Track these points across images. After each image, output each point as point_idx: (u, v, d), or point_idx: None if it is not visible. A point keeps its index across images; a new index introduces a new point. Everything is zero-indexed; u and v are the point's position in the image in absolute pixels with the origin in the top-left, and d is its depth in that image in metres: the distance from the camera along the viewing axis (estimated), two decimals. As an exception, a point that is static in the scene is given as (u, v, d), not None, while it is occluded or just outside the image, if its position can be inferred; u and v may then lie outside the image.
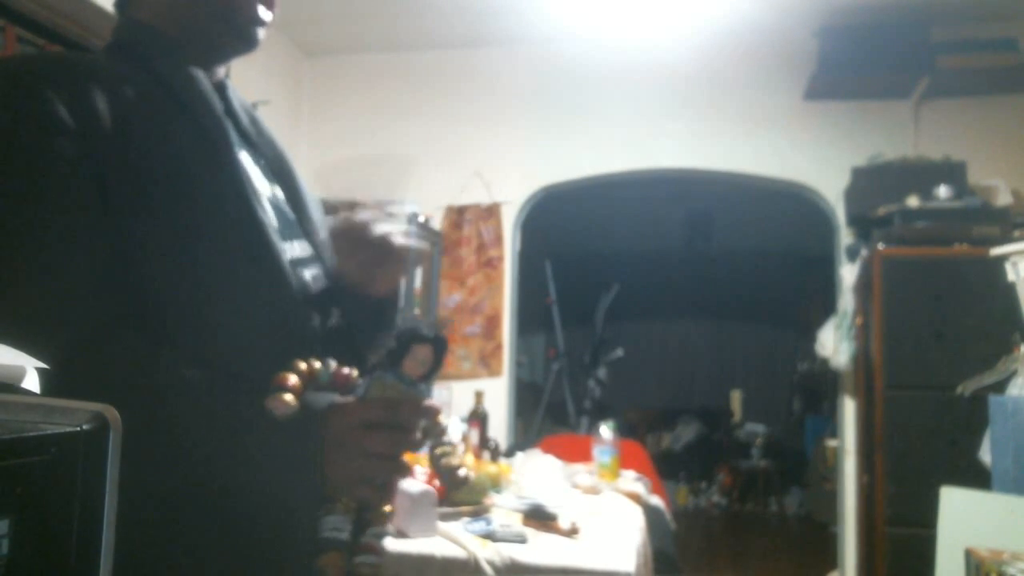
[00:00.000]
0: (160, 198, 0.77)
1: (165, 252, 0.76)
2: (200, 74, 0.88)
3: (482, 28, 3.80)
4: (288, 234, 0.88)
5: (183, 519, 0.74)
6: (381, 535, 0.79)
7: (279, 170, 0.95)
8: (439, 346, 0.78)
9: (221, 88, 0.92)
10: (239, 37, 0.89)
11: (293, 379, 0.71)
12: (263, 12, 0.89)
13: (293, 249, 0.87)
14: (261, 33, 0.90)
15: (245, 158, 0.88)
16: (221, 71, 0.94)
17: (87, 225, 0.74)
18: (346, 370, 0.76)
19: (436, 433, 0.77)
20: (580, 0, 3.50)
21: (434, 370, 0.78)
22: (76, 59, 0.84)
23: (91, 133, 0.75)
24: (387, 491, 0.75)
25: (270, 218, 0.85)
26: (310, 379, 0.73)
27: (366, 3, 3.59)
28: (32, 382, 0.41)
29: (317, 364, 0.74)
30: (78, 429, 0.34)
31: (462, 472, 0.78)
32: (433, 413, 0.75)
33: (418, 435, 0.75)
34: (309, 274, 0.87)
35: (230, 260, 0.79)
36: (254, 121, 0.96)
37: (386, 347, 0.80)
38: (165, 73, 0.85)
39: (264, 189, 0.89)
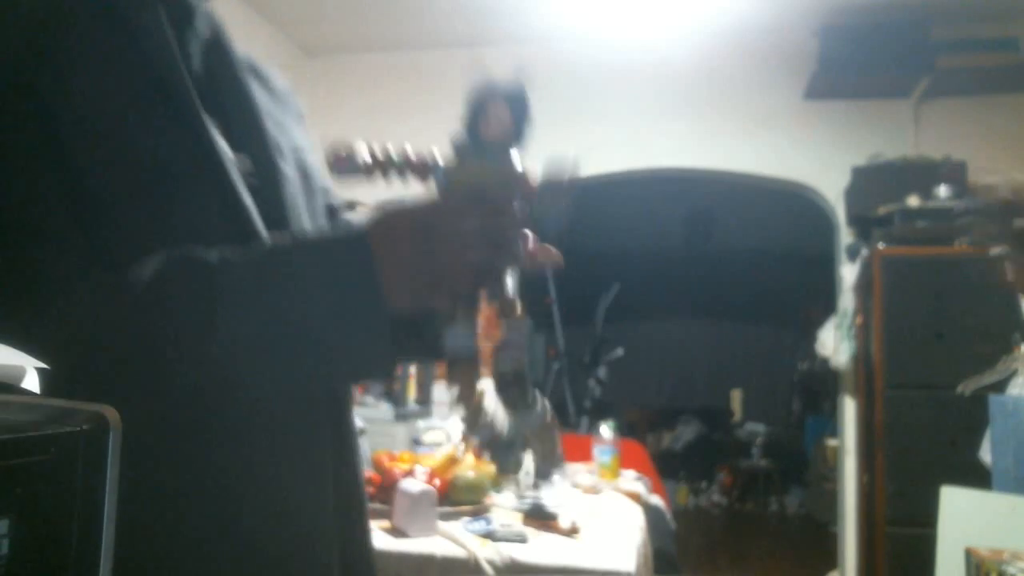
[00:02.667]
0: (119, 154, 0.63)
1: (122, 213, 0.62)
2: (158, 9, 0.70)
3: (482, 28, 3.80)
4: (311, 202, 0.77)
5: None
6: (519, 327, 0.67)
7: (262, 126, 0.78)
8: (517, 102, 0.63)
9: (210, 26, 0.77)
10: None
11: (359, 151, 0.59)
12: None
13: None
14: None
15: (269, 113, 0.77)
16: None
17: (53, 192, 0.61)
18: (422, 158, 0.63)
19: (537, 207, 0.63)
20: (580, 0, 3.50)
21: (520, 131, 0.64)
22: None
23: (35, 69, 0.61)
24: (499, 281, 0.61)
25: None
26: (375, 161, 0.61)
27: (366, 3, 3.59)
28: (32, 382, 0.41)
29: (389, 147, 0.61)
30: (78, 429, 0.34)
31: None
32: (527, 183, 0.62)
33: (517, 212, 0.61)
34: None
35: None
36: (254, 68, 0.83)
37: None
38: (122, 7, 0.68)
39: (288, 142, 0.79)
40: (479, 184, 0.61)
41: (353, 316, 0.59)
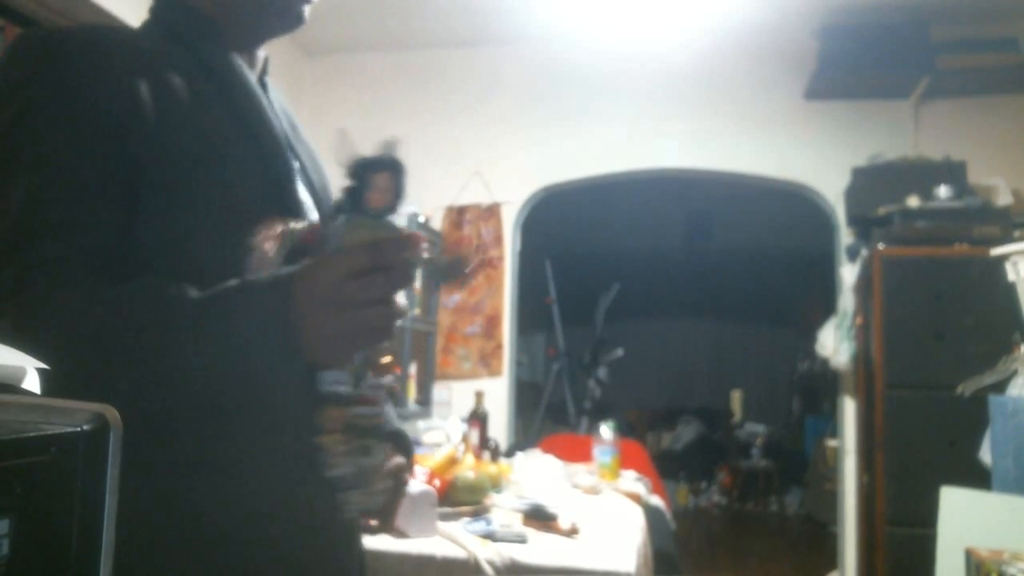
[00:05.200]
0: (200, 194, 0.76)
1: (199, 252, 0.74)
2: (243, 65, 0.85)
3: (482, 28, 3.80)
4: None
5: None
6: (379, 387, 0.74)
7: (317, 181, 0.91)
8: (396, 169, 0.70)
9: (263, 86, 0.90)
10: (287, 15, 0.86)
11: (270, 238, 0.68)
12: None
13: None
14: (307, 10, 0.87)
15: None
16: (261, 54, 0.91)
17: (97, 214, 0.72)
18: (313, 227, 0.71)
19: (423, 262, 0.70)
20: (580, 0, 3.50)
21: (398, 197, 0.70)
22: (115, 35, 0.81)
23: (122, 115, 0.73)
24: (385, 336, 0.69)
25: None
26: (282, 240, 0.69)
27: (366, 3, 3.59)
28: (32, 382, 0.41)
29: (286, 227, 0.69)
30: (78, 429, 0.34)
31: (461, 260, 0.72)
32: (415, 242, 0.69)
33: (406, 270, 0.69)
34: None
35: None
36: (293, 126, 0.92)
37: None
38: (209, 59, 0.82)
39: (305, 198, 0.86)
40: (373, 246, 0.68)
41: (275, 361, 0.68)
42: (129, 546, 0.54)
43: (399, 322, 0.70)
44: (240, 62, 0.85)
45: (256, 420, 0.75)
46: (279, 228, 0.69)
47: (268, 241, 0.67)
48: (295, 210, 0.82)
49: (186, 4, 0.85)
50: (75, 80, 0.72)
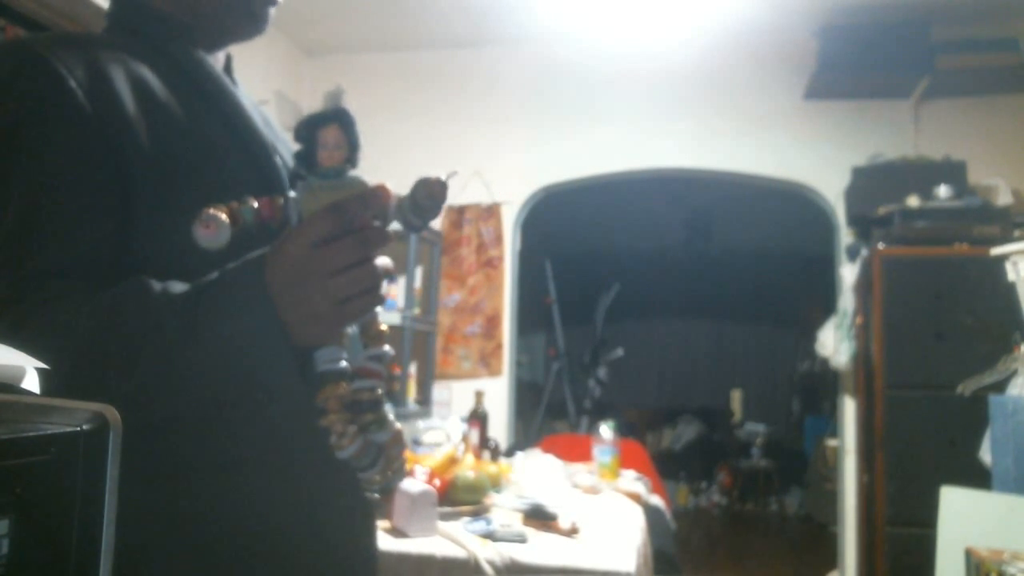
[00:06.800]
0: (184, 185, 0.74)
1: (190, 257, 0.73)
2: (208, 59, 0.85)
3: (482, 28, 3.80)
4: None
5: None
6: (379, 357, 0.70)
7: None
8: (344, 121, 0.64)
9: (229, 77, 0.90)
10: (250, 18, 0.86)
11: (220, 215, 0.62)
12: None
13: None
14: (271, 13, 0.87)
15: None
16: (222, 56, 0.90)
17: (90, 223, 0.71)
18: (269, 200, 0.65)
19: (393, 214, 0.65)
20: (580, 0, 3.50)
21: (353, 150, 0.65)
22: (86, 37, 0.81)
23: (107, 118, 0.73)
24: (371, 301, 0.65)
25: None
26: (233, 222, 0.62)
27: (366, 3, 3.59)
28: (32, 382, 0.41)
29: (235, 204, 0.64)
30: (78, 429, 0.34)
31: (439, 182, 0.66)
32: (382, 196, 0.64)
33: (378, 224, 0.64)
34: None
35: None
36: (267, 122, 0.92)
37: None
38: (176, 56, 0.82)
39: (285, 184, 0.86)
40: (333, 208, 0.63)
41: (260, 347, 0.65)
42: (131, 546, 0.54)
43: (385, 284, 0.66)
44: (211, 61, 0.85)
45: (255, 414, 0.74)
46: (231, 205, 0.63)
47: (220, 213, 0.62)
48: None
49: (149, 6, 0.84)
50: (54, 86, 0.72)
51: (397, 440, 0.71)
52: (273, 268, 0.64)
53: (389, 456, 0.70)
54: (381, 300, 0.67)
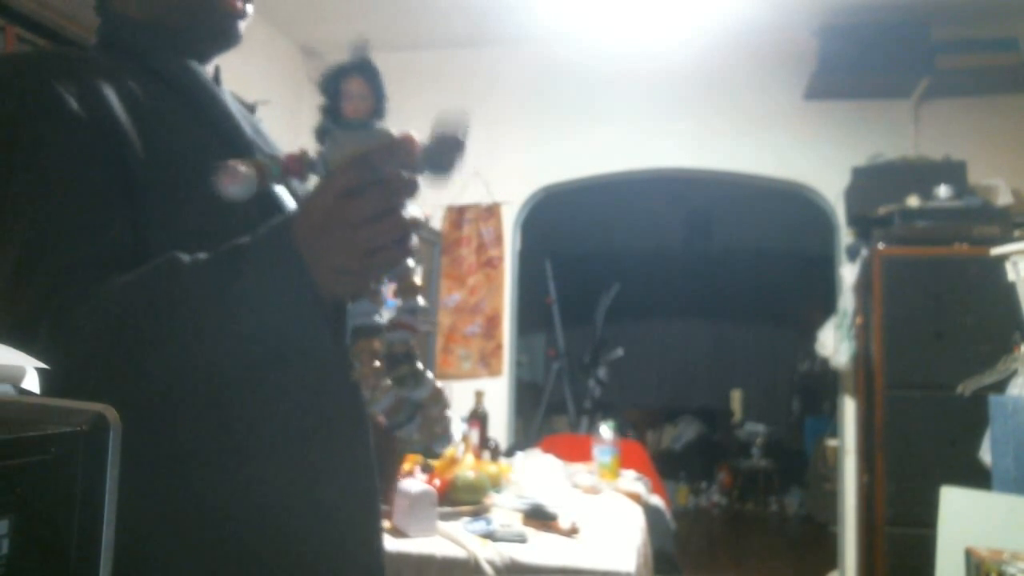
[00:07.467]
0: (179, 193, 0.75)
1: (187, 250, 0.74)
2: (197, 66, 0.86)
3: (482, 28, 3.80)
4: None
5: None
6: (412, 310, 0.68)
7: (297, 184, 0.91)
8: (368, 72, 0.64)
9: (217, 84, 0.91)
10: (219, 32, 0.87)
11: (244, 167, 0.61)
12: (241, 5, 0.86)
13: None
14: (242, 27, 0.88)
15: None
16: (209, 68, 0.91)
17: (107, 216, 0.72)
18: (294, 154, 0.65)
19: (422, 160, 0.64)
20: (580, 0, 3.50)
21: (379, 101, 0.65)
22: (75, 54, 0.83)
23: (103, 126, 0.73)
24: (401, 253, 0.64)
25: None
26: (260, 177, 0.62)
27: (366, 3, 3.59)
28: (32, 382, 0.41)
29: (262, 158, 0.64)
30: (78, 429, 0.34)
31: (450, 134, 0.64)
32: (408, 145, 0.63)
33: (405, 175, 0.63)
34: None
35: None
36: (256, 129, 0.93)
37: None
38: (161, 68, 0.83)
39: (287, 199, 0.86)
40: (359, 159, 0.62)
41: (289, 303, 0.65)
42: (137, 535, 0.54)
43: (415, 237, 0.65)
44: (198, 68, 0.86)
45: (284, 380, 0.74)
46: (258, 159, 0.63)
47: (243, 167, 0.61)
48: (281, 211, 0.81)
49: (131, 20, 0.86)
50: (48, 93, 0.73)
51: (436, 398, 0.69)
52: (300, 222, 0.64)
53: (429, 416, 0.68)
54: (410, 251, 0.65)
